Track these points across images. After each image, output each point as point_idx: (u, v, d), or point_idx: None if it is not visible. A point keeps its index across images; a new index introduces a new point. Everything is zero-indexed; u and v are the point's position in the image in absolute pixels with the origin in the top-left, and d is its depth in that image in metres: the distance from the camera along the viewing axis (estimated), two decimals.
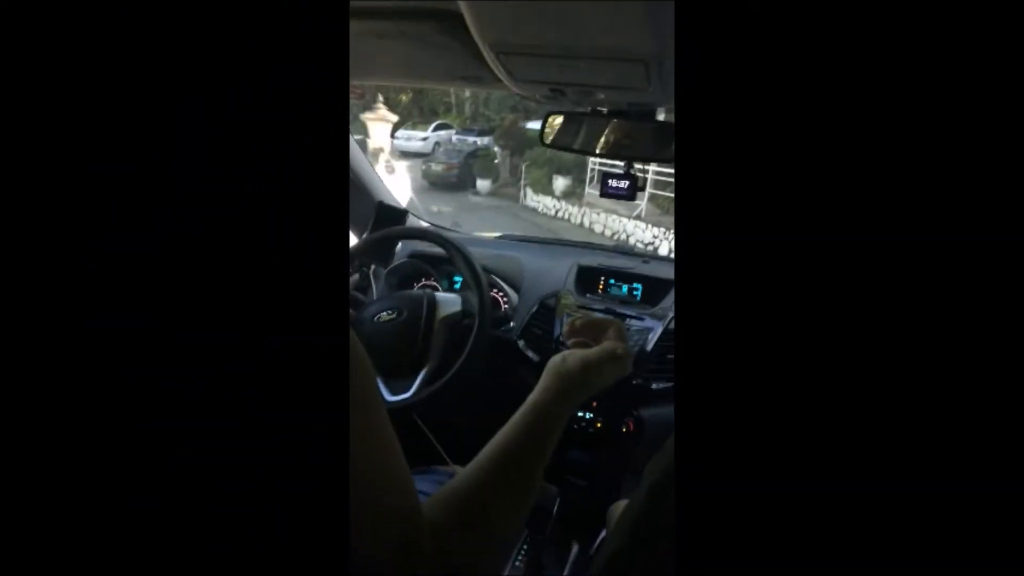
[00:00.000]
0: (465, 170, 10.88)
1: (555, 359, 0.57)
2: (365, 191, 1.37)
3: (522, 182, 10.49)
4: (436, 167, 10.93)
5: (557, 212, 9.57)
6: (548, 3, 0.45)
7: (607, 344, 0.58)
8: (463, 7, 0.48)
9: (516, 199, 10.43)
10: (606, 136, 0.86)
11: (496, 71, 0.63)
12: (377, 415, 0.37)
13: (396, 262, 1.32)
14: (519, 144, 11.08)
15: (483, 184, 10.87)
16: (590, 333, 0.61)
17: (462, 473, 0.46)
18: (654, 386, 1.09)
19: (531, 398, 0.53)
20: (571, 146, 0.90)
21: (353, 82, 0.96)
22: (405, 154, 11.77)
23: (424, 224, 1.52)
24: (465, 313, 1.12)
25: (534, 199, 10.10)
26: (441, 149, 11.70)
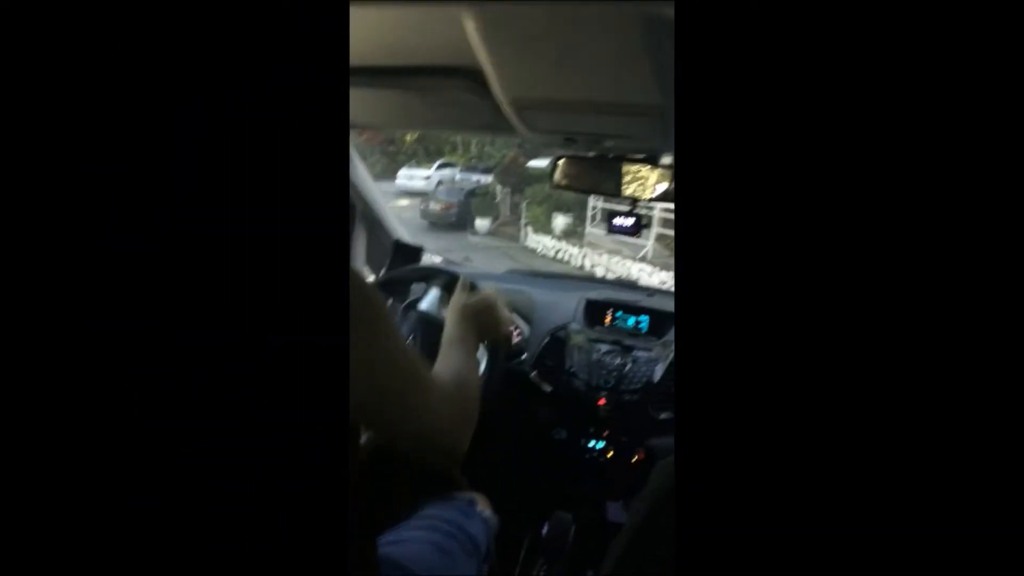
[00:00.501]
0: (464, 209, 10.60)
1: (464, 304, 0.74)
2: (382, 229, 1.43)
3: (522, 221, 10.21)
4: (434, 206, 10.56)
5: (557, 253, 9.19)
6: (565, 60, 0.49)
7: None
8: (485, 65, 0.52)
9: (516, 238, 10.13)
10: (612, 178, 0.92)
11: (512, 122, 0.68)
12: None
13: (412, 298, 1.37)
14: (519, 181, 10.64)
15: (482, 223, 10.47)
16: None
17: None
18: (662, 416, 1.13)
19: (450, 333, 0.69)
20: (580, 187, 0.96)
21: (371, 131, 1.03)
22: (407, 194, 11.75)
23: (437, 261, 1.58)
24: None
25: (534, 239, 9.77)
26: (442, 187, 11.42)
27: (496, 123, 0.73)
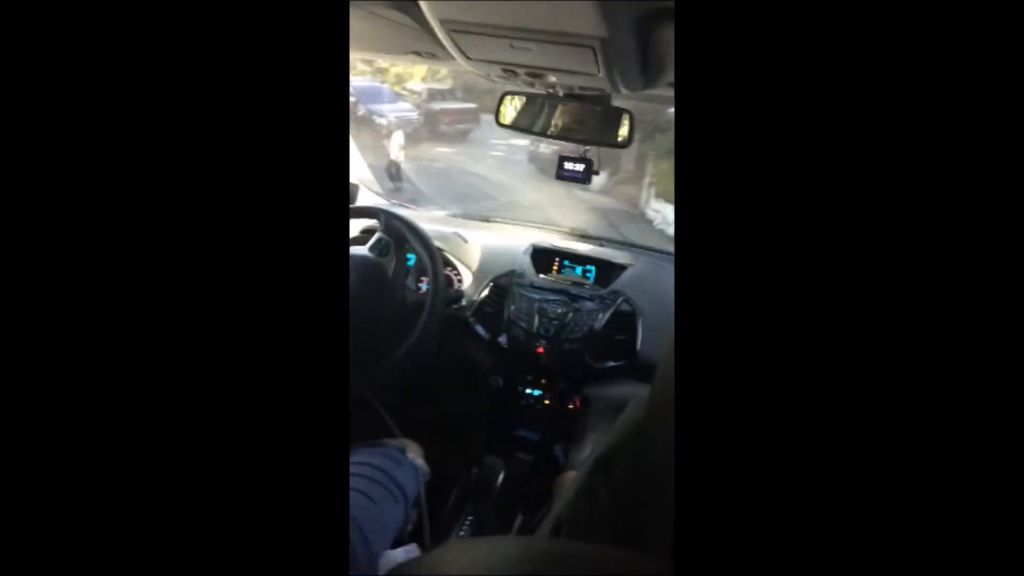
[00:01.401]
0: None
1: None
2: None
3: (646, 180, 7.69)
4: (545, 148, 8.04)
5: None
6: None
7: None
8: None
9: (635, 201, 7.62)
10: (558, 119, 0.88)
11: (449, 48, 0.63)
12: None
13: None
14: (652, 129, 7.69)
15: (597, 178, 8.90)
16: None
17: None
18: (600, 365, 1.13)
19: None
20: (526, 128, 0.91)
21: None
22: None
23: (380, 202, 1.51)
24: (419, 289, 1.12)
25: (655, 206, 7.25)
26: None
27: (434, 49, 0.68)
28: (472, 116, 10.14)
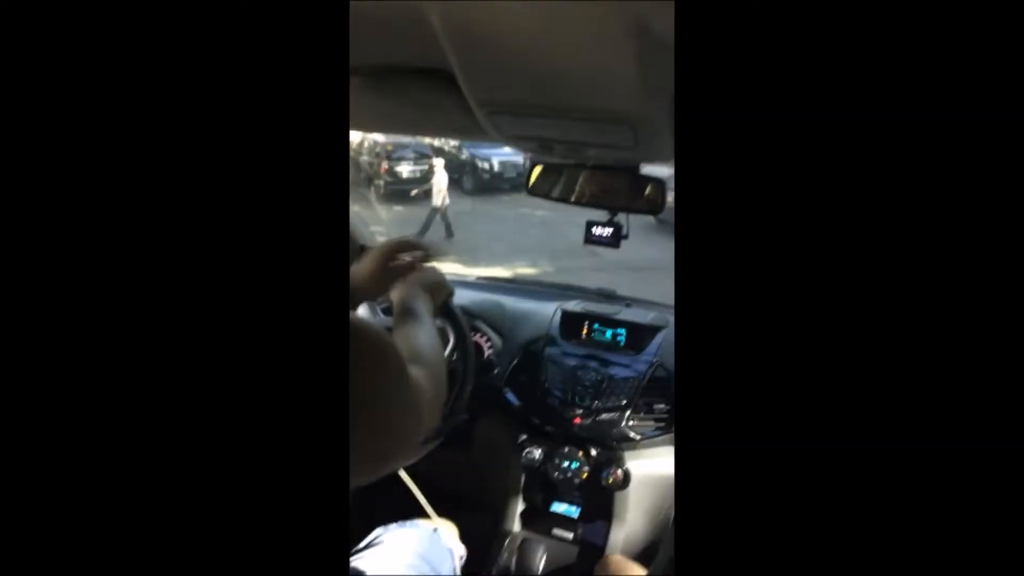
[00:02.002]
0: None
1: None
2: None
3: None
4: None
5: None
6: (537, 64, 0.46)
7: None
8: (455, 66, 0.49)
9: None
10: (588, 186, 0.88)
11: (486, 128, 0.64)
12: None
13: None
14: None
15: None
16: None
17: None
18: (639, 436, 1.08)
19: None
20: (556, 196, 0.91)
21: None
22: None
23: None
24: (449, 359, 1.10)
25: None
26: None
27: (469, 127, 0.68)
28: None
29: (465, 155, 9.45)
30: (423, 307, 0.64)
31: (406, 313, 0.62)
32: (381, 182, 9.17)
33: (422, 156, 9.22)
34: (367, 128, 1.08)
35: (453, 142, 9.49)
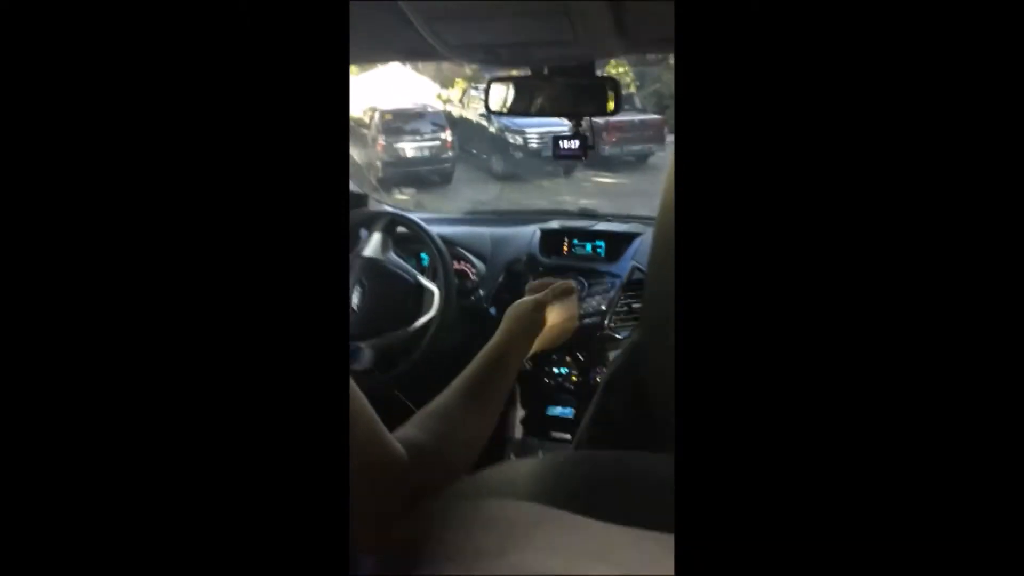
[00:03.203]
0: None
1: (512, 306, 0.67)
2: None
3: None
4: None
5: None
6: None
7: (556, 285, 0.71)
8: None
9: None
10: (546, 97, 0.89)
11: (431, 40, 0.65)
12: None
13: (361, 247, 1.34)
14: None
15: None
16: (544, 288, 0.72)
17: (434, 401, 0.53)
18: (620, 336, 1.14)
19: (493, 339, 0.59)
20: (516, 110, 0.93)
21: None
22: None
23: (387, 207, 1.54)
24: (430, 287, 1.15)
25: None
26: None
27: (417, 46, 0.70)
28: (656, 132, 7.29)
29: (494, 127, 7.16)
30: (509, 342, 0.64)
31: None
32: (378, 163, 6.83)
33: (435, 128, 6.91)
34: None
35: (474, 111, 7.40)
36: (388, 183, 6.61)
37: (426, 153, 6.78)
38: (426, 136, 6.77)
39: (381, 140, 6.83)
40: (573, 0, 0.54)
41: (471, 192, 5.79)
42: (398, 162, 6.75)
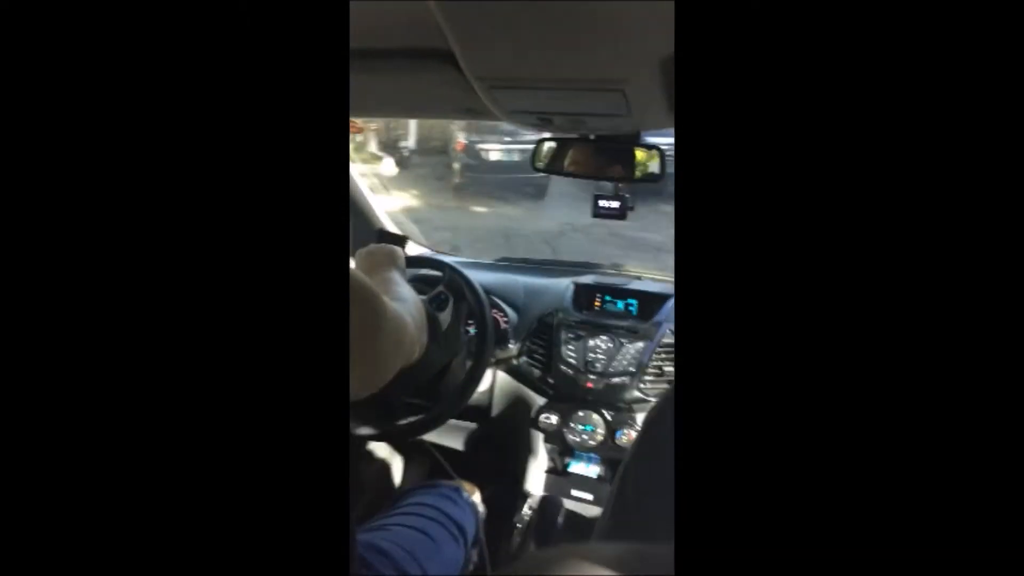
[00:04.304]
0: None
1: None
2: (365, 219, 1.42)
3: None
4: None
5: None
6: (533, 39, 0.50)
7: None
8: (454, 45, 0.53)
9: None
10: (591, 159, 0.92)
11: (488, 103, 0.68)
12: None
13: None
14: None
15: None
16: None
17: None
18: (652, 396, 1.13)
19: None
20: (560, 171, 0.95)
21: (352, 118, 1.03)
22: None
23: (424, 251, 1.57)
24: (468, 333, 1.16)
25: None
26: None
27: (473, 106, 0.73)
28: None
29: None
30: (393, 272, 0.76)
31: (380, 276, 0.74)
32: (456, 165, 5.77)
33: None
34: (368, 113, 1.12)
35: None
36: (465, 191, 5.67)
37: (515, 158, 5.37)
38: (516, 138, 5.33)
39: (461, 138, 5.63)
40: (631, 78, 0.56)
41: (566, 212, 4.82)
42: (481, 166, 5.53)
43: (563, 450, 1.25)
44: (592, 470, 1.23)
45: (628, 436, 1.14)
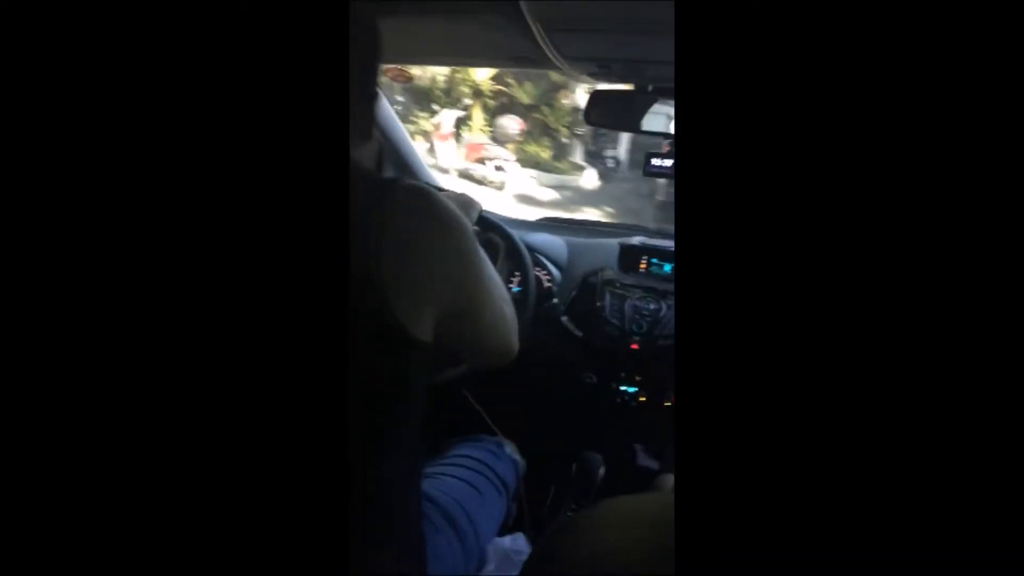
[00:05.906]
0: None
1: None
2: (411, 172, 1.42)
3: None
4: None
5: None
6: None
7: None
8: None
9: None
10: (646, 115, 0.88)
11: (545, 49, 0.66)
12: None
13: None
14: None
15: None
16: None
17: None
18: None
19: None
20: (614, 124, 0.92)
21: (400, 65, 1.01)
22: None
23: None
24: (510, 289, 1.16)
25: None
26: None
27: (528, 53, 0.71)
28: None
29: None
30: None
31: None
32: (664, 180, 4.76)
33: None
34: (423, 61, 1.11)
35: None
36: (671, 209, 5.75)
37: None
38: None
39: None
40: None
41: None
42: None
43: (603, 409, 1.25)
44: (632, 430, 1.23)
45: (671, 400, 1.13)
